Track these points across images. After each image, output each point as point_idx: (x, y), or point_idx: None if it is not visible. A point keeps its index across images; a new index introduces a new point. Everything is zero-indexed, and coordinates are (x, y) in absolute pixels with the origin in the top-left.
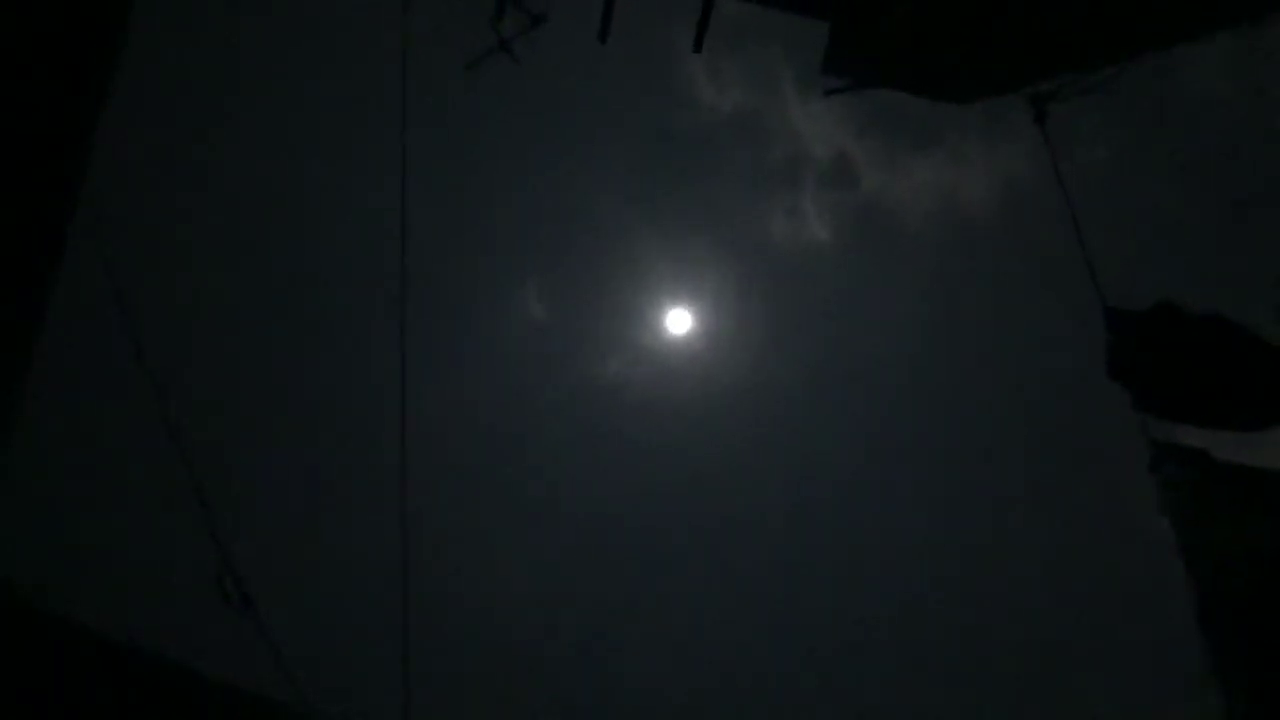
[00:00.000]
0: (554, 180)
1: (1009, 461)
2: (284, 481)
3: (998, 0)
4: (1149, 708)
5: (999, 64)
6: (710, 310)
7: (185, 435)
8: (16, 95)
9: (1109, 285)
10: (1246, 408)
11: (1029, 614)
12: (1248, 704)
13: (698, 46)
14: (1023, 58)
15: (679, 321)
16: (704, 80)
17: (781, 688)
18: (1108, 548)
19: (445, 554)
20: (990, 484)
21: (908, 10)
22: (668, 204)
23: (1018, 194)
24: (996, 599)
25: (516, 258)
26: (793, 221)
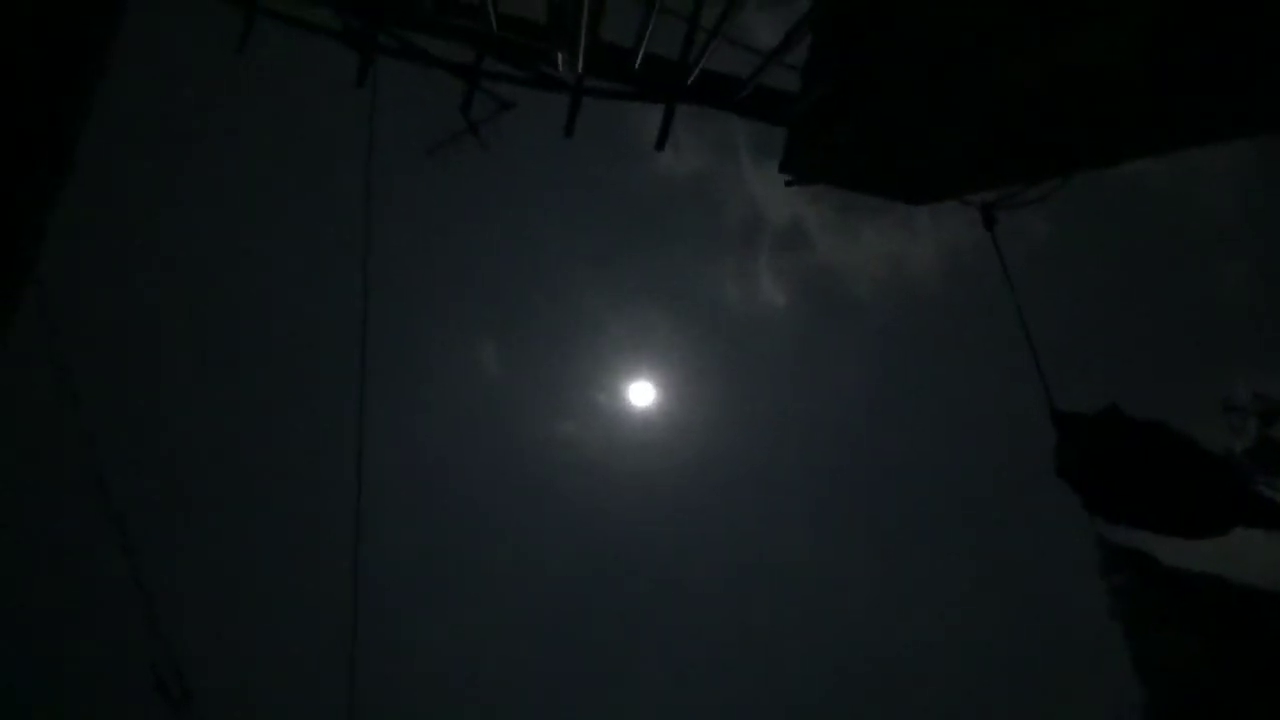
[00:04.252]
0: (517, 245)
1: (961, 531)
2: (226, 566)
3: (940, 125)
4: None
5: (943, 178)
6: (665, 377)
7: (125, 522)
8: None
9: (1055, 377)
10: (1190, 515)
11: (980, 692)
12: None
13: (660, 145)
14: (967, 173)
15: (638, 391)
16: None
17: None
18: (1058, 618)
19: (392, 633)
20: (942, 555)
21: (851, 132)
22: (626, 269)
23: (964, 257)
24: (945, 674)
25: (477, 321)
26: (749, 285)
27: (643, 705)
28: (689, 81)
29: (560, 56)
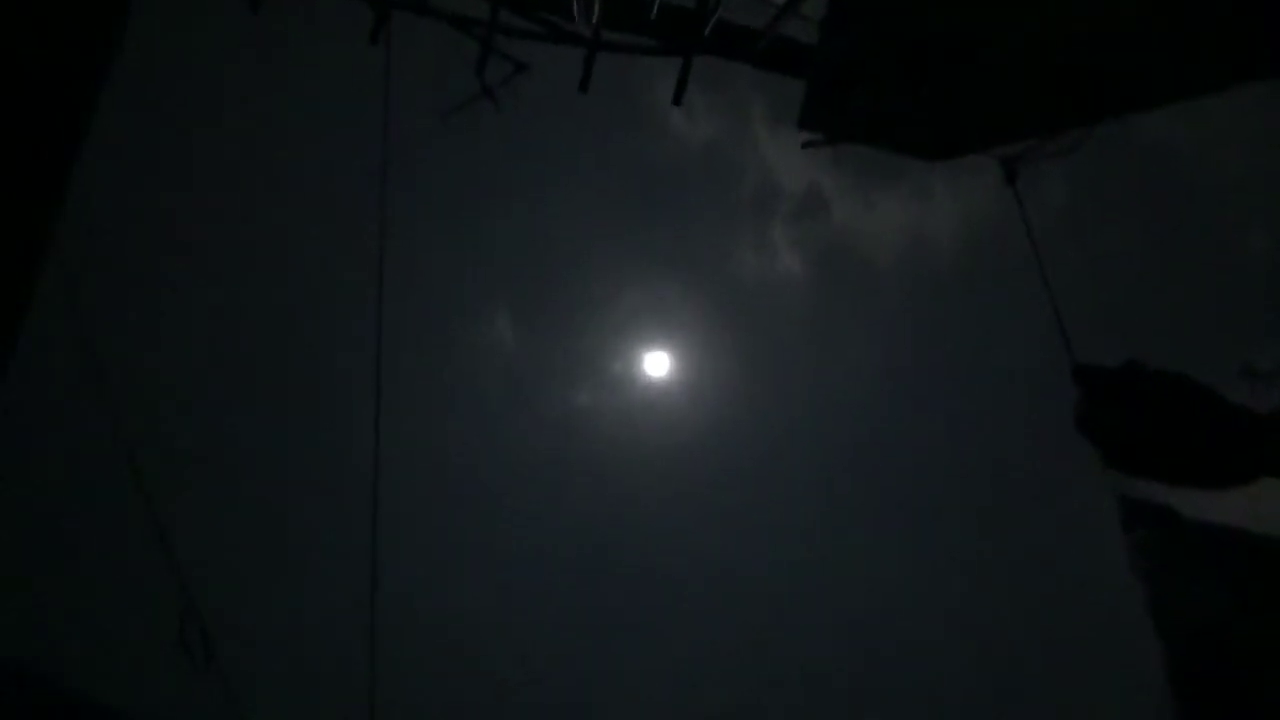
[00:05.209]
0: (531, 214)
1: (980, 503)
2: (248, 527)
3: (966, 76)
4: None
5: (968, 130)
6: (681, 347)
7: (150, 482)
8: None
9: (1075, 341)
10: (1212, 466)
11: (1000, 668)
12: None
13: (677, 100)
14: (991, 125)
15: (653, 362)
16: (678, 113)
17: None
18: (1080, 596)
19: (410, 597)
20: (962, 528)
21: (872, 86)
22: (642, 238)
23: (982, 225)
24: (967, 652)
25: (492, 290)
26: (765, 255)
27: (655, 679)
28: (706, 32)
29: (576, 8)
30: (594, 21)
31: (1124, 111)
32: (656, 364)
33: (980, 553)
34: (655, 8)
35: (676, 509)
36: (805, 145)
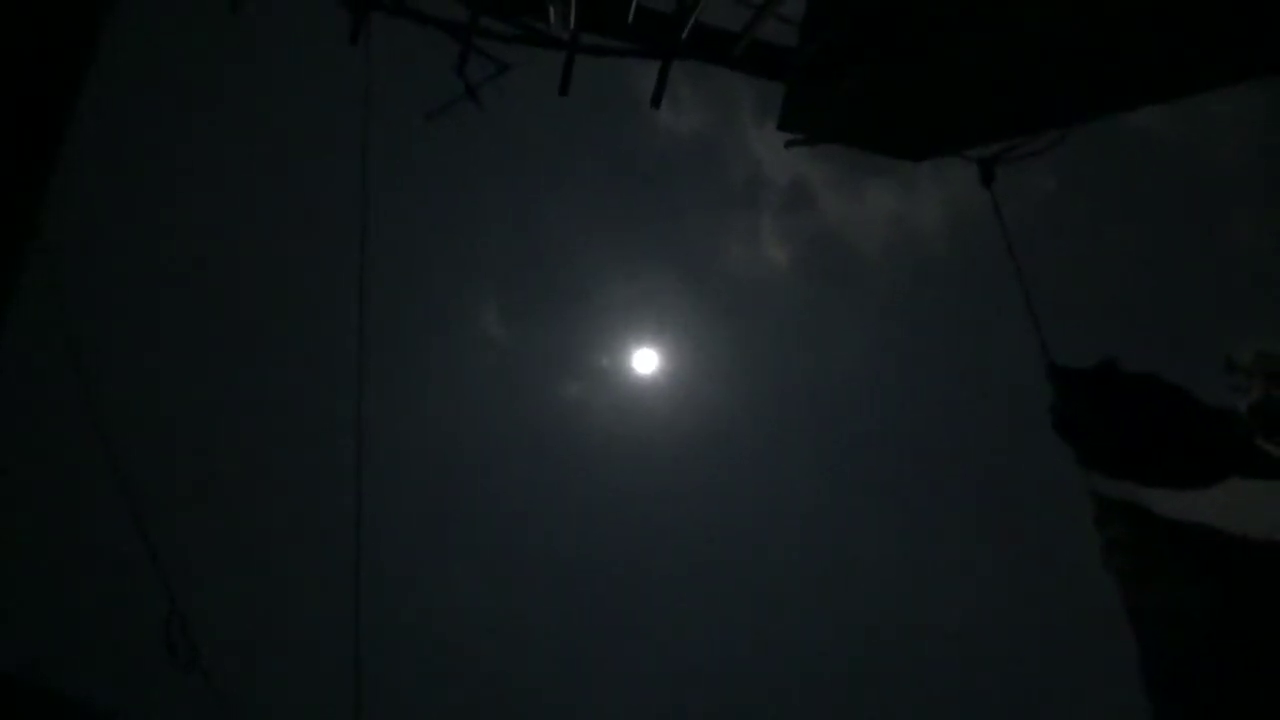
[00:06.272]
0: (515, 209)
1: (969, 493)
2: (234, 528)
3: (944, 78)
4: None
5: (947, 131)
6: (669, 343)
7: (134, 484)
8: None
9: (1055, 334)
10: (1184, 466)
11: (985, 655)
12: None
13: (656, 103)
14: (970, 126)
15: (642, 359)
16: (666, 106)
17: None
18: (1063, 584)
19: (401, 595)
20: (951, 517)
21: (854, 85)
22: (631, 233)
23: (972, 215)
24: (967, 649)
25: (477, 285)
26: (754, 248)
27: (652, 678)
28: (683, 36)
29: (552, 11)
30: (571, 26)
31: (1110, 112)
32: (645, 360)
33: (974, 544)
34: (633, 11)
35: (673, 507)
36: (789, 145)
